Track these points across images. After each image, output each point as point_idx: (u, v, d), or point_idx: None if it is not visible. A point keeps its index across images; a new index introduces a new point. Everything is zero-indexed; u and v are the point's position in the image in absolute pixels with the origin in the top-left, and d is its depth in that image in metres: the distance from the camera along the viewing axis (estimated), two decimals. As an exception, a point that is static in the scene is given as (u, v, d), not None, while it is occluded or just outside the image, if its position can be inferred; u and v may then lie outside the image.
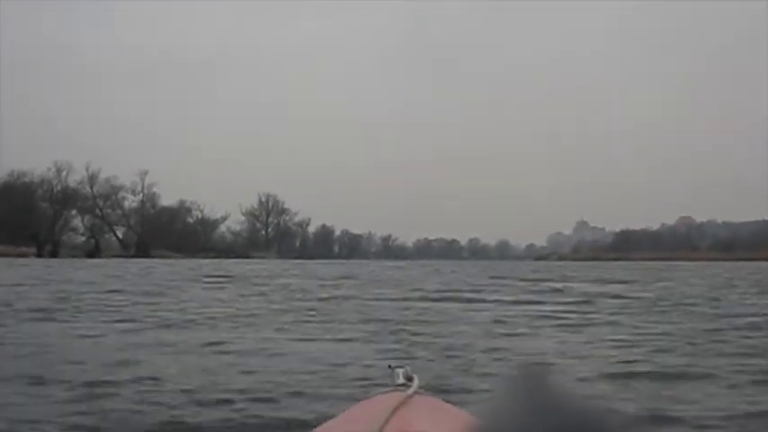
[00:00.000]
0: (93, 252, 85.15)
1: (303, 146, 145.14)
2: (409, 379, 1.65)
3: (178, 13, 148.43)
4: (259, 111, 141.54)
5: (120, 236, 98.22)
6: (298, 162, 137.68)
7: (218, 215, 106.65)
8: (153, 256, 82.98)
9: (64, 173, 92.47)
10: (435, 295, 19.50)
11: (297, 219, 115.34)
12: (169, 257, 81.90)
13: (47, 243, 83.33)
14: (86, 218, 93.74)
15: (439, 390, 4.55)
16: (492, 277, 32.38)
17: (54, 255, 77.23)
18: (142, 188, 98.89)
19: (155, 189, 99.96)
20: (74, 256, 78.15)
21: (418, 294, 19.90)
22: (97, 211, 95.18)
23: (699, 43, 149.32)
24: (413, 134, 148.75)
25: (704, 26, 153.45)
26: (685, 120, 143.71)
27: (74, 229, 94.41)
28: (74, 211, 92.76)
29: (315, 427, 1.49)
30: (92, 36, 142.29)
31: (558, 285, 25.26)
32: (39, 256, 74.57)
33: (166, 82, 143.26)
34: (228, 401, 5.80)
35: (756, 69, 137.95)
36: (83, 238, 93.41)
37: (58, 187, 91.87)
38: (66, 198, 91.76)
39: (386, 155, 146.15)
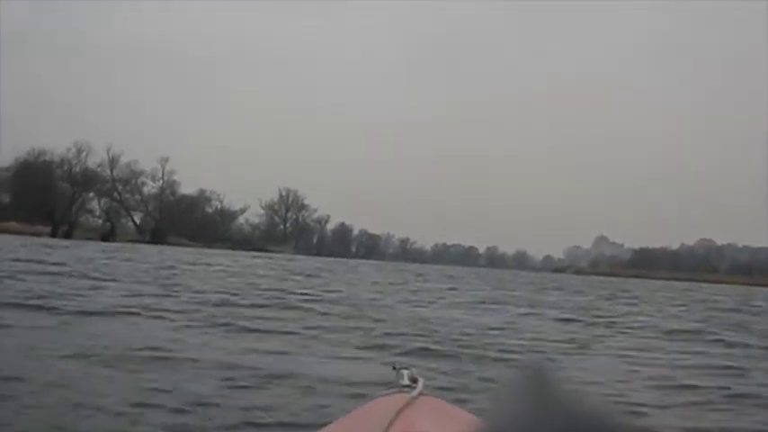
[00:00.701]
0: (108, 235, 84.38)
1: (327, 143, 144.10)
2: (414, 380, 1.63)
3: (201, 7, 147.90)
4: (286, 107, 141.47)
5: (138, 221, 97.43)
6: (320, 159, 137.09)
7: (238, 207, 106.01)
8: (169, 243, 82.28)
9: (84, 154, 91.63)
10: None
11: (316, 215, 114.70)
12: (185, 245, 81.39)
13: (63, 223, 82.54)
14: (103, 201, 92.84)
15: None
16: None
17: (68, 236, 76.41)
18: (162, 174, 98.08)
19: (175, 177, 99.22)
20: (89, 239, 77.47)
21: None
22: (116, 194, 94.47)
23: (731, 56, 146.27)
24: (438, 136, 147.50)
25: (737, 35, 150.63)
26: (713, 139, 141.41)
27: (90, 211, 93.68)
28: (91, 194, 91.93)
29: (319, 428, 1.48)
30: (120, 27, 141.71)
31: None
32: (53, 235, 73.80)
33: (192, 75, 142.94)
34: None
35: None
36: (99, 221, 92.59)
37: (77, 168, 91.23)
38: (86, 180, 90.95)
39: (408, 156, 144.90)
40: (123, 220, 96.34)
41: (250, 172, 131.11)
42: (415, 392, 1.52)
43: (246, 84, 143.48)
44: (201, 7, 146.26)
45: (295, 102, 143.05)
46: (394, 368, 1.79)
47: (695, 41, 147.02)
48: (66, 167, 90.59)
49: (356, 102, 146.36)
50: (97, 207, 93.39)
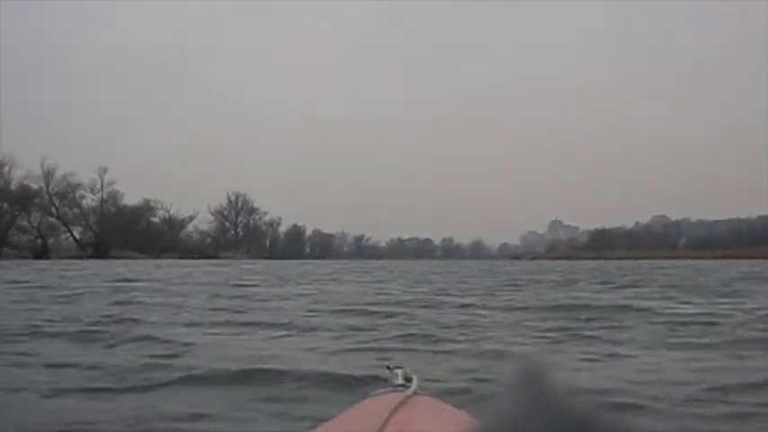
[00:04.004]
0: (42, 253, 75.54)
1: (274, 146, 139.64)
2: (408, 379, 1.61)
3: (145, 10, 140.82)
4: (230, 111, 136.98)
5: (78, 236, 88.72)
6: (268, 162, 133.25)
7: (186, 215, 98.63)
8: (113, 257, 74.56)
9: (6, 168, 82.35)
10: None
11: (267, 218, 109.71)
12: (130, 258, 73.99)
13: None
14: (33, 216, 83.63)
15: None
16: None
17: (-4, 257, 67.62)
18: (101, 186, 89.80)
19: (117, 188, 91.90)
20: (24, 257, 69.19)
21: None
22: (53, 209, 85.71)
23: (680, 43, 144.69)
24: (386, 134, 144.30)
25: (680, 26, 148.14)
26: (657, 118, 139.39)
27: (21, 229, 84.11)
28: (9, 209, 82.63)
29: (314, 427, 1.43)
30: (52, 29, 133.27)
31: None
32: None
33: (131, 80, 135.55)
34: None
35: (735, 70, 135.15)
36: (30, 238, 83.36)
37: (1, 183, 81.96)
38: (25, 196, 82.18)
39: (358, 155, 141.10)
40: (63, 236, 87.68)
41: (197, 178, 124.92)
42: (409, 391, 1.48)
43: (189, 87, 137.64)
44: (149, 5, 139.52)
45: (237, 105, 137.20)
46: (388, 367, 1.71)
47: (657, 39, 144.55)
48: (1, 184, 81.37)
49: (302, 103, 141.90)
50: (27, 223, 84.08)
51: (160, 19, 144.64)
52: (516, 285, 21.79)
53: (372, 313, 11.28)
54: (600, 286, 21.16)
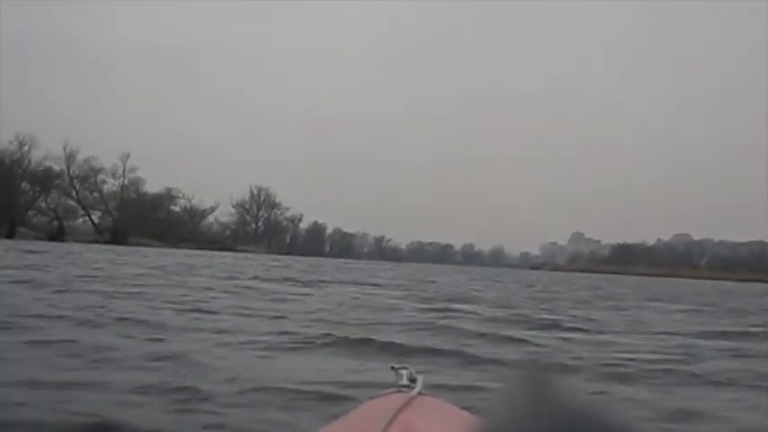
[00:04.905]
0: (57, 235, 74.86)
1: (299, 142, 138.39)
2: (413, 380, 1.59)
3: (178, 7, 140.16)
4: (257, 106, 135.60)
5: (96, 220, 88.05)
6: (293, 158, 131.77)
7: (207, 206, 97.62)
8: (130, 244, 73.84)
9: (26, 147, 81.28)
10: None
11: (288, 214, 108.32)
12: (148, 245, 73.41)
13: (3, 222, 72.27)
14: (50, 198, 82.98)
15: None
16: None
17: (10, 236, 66.89)
18: (123, 171, 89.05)
19: (139, 174, 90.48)
20: (39, 238, 68.52)
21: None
22: (73, 192, 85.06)
23: (703, 57, 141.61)
24: (412, 135, 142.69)
25: (711, 39, 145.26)
26: (686, 137, 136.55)
27: (39, 210, 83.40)
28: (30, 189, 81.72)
29: (319, 428, 1.41)
30: (84, 26, 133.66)
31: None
32: (-4, 235, 64.38)
33: (160, 72, 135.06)
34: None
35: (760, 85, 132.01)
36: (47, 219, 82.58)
37: (25, 164, 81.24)
38: (47, 177, 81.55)
39: (383, 155, 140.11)
40: (81, 220, 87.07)
41: (220, 170, 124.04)
42: (413, 392, 1.47)
43: (217, 82, 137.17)
44: (173, 6, 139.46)
45: (266, 101, 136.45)
46: (393, 368, 1.68)
47: (679, 51, 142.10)
48: (25, 164, 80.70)
49: (328, 102, 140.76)
50: (44, 205, 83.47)
51: (189, 11, 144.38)
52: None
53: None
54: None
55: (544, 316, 12.79)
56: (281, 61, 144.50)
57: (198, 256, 46.77)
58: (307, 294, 15.40)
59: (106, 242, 75.24)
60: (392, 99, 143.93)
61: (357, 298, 15.07)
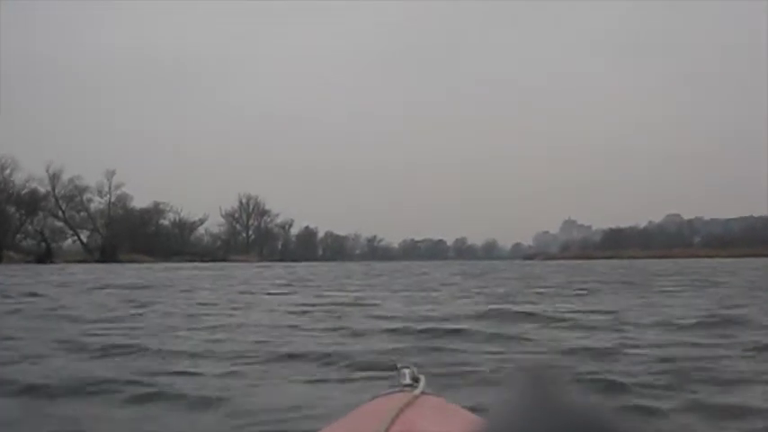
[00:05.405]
0: (45, 257, 73.57)
1: (286, 148, 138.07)
2: (415, 379, 1.58)
3: (158, 16, 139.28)
4: (240, 113, 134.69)
5: (85, 239, 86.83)
6: (280, 164, 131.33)
7: (197, 218, 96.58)
8: (121, 261, 72.69)
9: (8, 171, 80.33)
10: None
11: (279, 220, 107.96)
12: (139, 261, 71.87)
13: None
14: (36, 219, 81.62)
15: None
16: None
17: (-2, 260, 65.73)
18: (109, 189, 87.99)
19: (126, 190, 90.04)
20: (27, 262, 67.36)
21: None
22: (60, 213, 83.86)
23: (691, 41, 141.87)
24: (399, 135, 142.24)
25: (687, 26, 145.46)
26: (669, 118, 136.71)
27: (26, 233, 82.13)
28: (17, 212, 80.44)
29: (321, 427, 1.42)
30: (60, 36, 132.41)
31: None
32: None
33: (142, 84, 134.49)
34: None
35: (743, 69, 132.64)
36: (34, 242, 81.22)
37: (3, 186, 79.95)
38: (33, 200, 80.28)
39: (372, 156, 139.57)
40: (71, 240, 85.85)
41: (208, 181, 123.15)
42: (416, 391, 1.46)
43: (200, 92, 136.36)
44: (161, 10, 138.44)
45: (248, 109, 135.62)
46: (396, 367, 1.67)
47: (663, 40, 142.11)
48: (9, 187, 79.31)
49: (313, 108, 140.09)
50: (31, 227, 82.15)
51: (164, 22, 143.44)
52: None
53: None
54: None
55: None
56: (261, 66, 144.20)
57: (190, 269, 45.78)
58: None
59: (96, 261, 74.11)
60: (377, 100, 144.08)
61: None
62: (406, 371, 1.59)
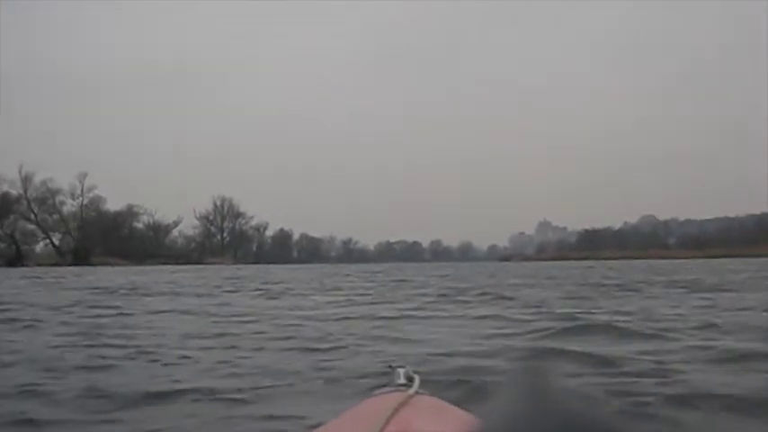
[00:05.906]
0: (15, 260, 71.85)
1: (260, 151, 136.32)
2: (410, 379, 1.60)
3: (136, 20, 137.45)
4: (215, 116, 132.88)
5: (57, 242, 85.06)
6: (255, 167, 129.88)
7: (171, 220, 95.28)
8: (94, 264, 71.23)
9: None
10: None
11: (253, 222, 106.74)
12: (112, 264, 70.54)
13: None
14: (6, 222, 79.68)
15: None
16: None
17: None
18: (82, 191, 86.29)
19: (99, 193, 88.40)
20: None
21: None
22: (32, 215, 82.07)
23: (665, 44, 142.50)
24: (375, 138, 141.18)
25: (663, 27, 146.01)
26: (643, 119, 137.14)
27: (-1, 236, 79.95)
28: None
29: (315, 427, 1.46)
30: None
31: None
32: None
33: (117, 89, 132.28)
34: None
35: (720, 70, 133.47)
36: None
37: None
38: (5, 203, 78.47)
39: (346, 158, 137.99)
40: (43, 243, 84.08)
41: (182, 183, 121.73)
42: (411, 391, 1.47)
43: (174, 94, 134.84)
44: (140, 14, 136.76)
45: (221, 108, 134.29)
46: (390, 367, 1.70)
47: (646, 42, 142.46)
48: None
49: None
50: (0, 230, 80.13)
51: (142, 22, 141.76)
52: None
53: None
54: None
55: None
56: (239, 67, 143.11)
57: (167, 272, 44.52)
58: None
59: (69, 264, 72.56)
60: (352, 102, 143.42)
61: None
62: (401, 370, 1.58)
